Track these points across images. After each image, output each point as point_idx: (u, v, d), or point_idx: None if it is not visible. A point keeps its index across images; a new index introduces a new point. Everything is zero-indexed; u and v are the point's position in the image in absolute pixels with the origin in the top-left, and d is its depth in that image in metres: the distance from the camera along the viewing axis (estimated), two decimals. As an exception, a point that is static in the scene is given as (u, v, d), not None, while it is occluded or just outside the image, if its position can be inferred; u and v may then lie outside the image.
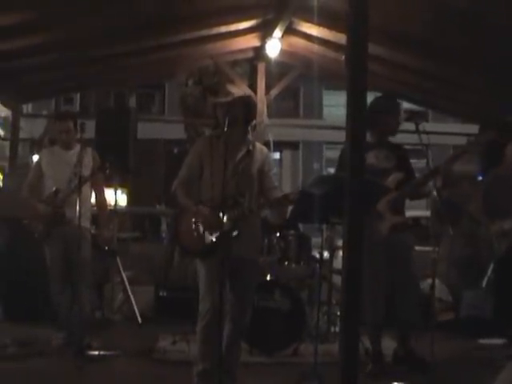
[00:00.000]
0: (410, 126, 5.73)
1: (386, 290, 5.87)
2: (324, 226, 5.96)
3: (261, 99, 10.25)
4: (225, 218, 4.66)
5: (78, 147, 6.45)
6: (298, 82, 19.63)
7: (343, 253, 4.00)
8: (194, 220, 4.88)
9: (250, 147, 5.01)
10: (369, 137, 5.92)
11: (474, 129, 11.84)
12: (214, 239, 4.79)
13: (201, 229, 4.85)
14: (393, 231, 5.76)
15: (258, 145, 5.16)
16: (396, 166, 5.72)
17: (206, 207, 4.85)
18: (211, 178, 4.89)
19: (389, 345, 6.27)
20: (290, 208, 5.15)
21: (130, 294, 7.99)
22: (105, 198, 6.84)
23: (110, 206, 7.94)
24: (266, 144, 10.62)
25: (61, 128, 6.60)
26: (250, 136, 5.10)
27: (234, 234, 4.78)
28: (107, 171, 6.47)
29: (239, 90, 5.16)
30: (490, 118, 9.85)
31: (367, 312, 5.79)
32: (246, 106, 5.02)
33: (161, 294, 8.34)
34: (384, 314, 5.87)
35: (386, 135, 5.94)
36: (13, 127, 10.94)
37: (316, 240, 7.40)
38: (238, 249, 4.78)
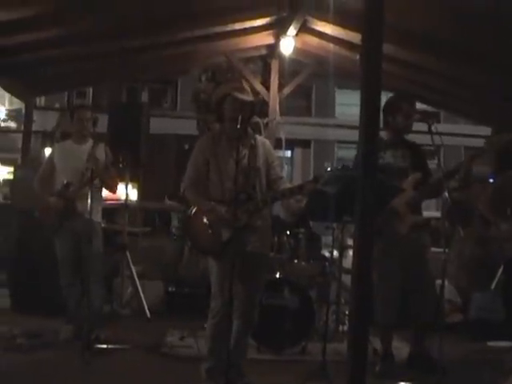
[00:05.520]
0: (423, 126, 5.72)
1: (400, 290, 5.86)
2: (334, 225, 5.95)
3: (273, 97, 10.26)
4: (239, 214, 4.68)
5: (90, 142, 6.47)
6: (310, 81, 19.58)
7: (353, 252, 4.00)
8: (207, 218, 4.84)
9: (253, 141, 5.01)
10: (384, 136, 5.97)
11: (485, 130, 11.84)
12: (229, 235, 4.71)
13: (216, 227, 4.80)
14: (411, 231, 5.76)
15: (259, 138, 5.17)
16: (412, 164, 5.70)
17: (220, 205, 4.81)
18: (219, 175, 4.89)
19: (399, 346, 6.28)
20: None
21: (139, 288, 8.00)
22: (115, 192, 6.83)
23: (120, 200, 7.96)
24: (278, 141, 10.69)
25: (80, 116, 6.61)
26: (250, 130, 5.09)
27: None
28: (121, 166, 6.45)
29: (246, 85, 5.08)
30: (502, 119, 9.82)
31: (379, 312, 5.81)
32: (256, 105, 5.03)
33: (170, 289, 8.37)
34: (396, 314, 5.86)
35: (400, 134, 5.94)
36: (26, 120, 11.00)
37: (326, 239, 7.40)
38: (253, 244, 4.82)
